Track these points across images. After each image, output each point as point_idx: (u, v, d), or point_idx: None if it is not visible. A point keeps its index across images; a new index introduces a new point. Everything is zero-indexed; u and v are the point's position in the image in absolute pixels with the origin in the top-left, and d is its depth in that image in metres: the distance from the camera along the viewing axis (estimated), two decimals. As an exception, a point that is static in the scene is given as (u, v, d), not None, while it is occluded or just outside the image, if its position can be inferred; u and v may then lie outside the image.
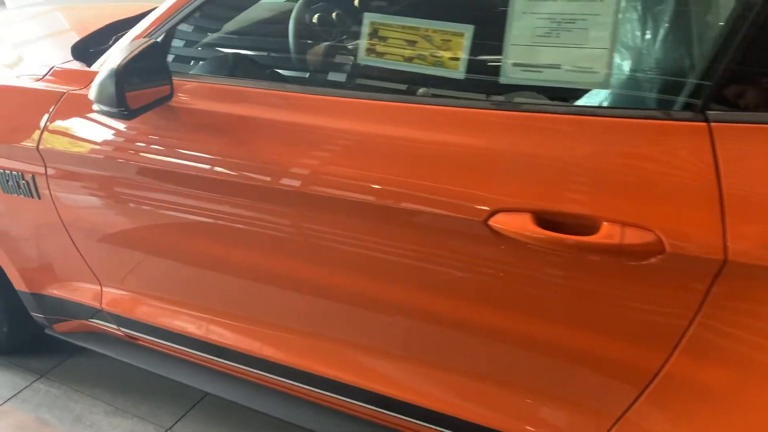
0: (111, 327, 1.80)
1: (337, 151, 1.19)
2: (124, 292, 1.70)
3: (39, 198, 1.61)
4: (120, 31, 1.83)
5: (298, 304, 1.40)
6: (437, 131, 1.13)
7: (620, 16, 1.04)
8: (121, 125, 1.42)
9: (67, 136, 1.49)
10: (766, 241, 0.91)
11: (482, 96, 1.17)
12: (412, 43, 1.18)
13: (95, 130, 1.46)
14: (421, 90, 1.57)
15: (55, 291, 1.81)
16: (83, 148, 1.47)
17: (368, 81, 1.32)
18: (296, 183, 1.22)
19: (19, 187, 1.62)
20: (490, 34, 1.13)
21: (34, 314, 1.92)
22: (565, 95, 1.19)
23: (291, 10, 1.57)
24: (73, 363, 2.12)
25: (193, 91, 1.36)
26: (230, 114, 1.31)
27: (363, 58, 1.23)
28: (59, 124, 1.51)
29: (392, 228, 1.17)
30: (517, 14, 1.09)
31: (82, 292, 1.76)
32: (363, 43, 1.22)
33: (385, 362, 1.38)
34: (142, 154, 1.40)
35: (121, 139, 1.43)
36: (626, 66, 1.12)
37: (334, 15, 1.60)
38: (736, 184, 0.93)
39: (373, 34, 1.21)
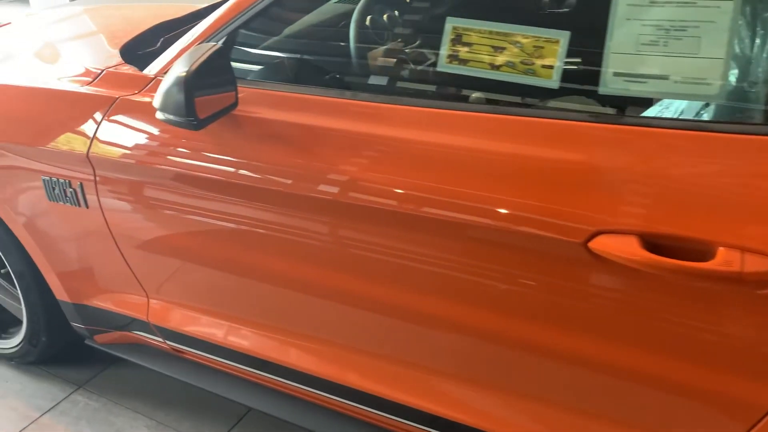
0: (156, 339, 1.73)
1: (419, 165, 1.11)
2: (171, 305, 1.63)
3: (86, 207, 1.54)
4: (167, 32, 1.76)
5: (366, 322, 1.33)
6: (528, 144, 1.05)
7: (739, 22, 0.96)
8: (177, 133, 1.35)
9: (120, 143, 1.43)
10: None
11: (579, 106, 1.09)
12: (500, 49, 1.10)
13: (150, 137, 1.40)
14: (474, 96, 1.50)
15: (98, 302, 1.74)
16: (137, 156, 1.41)
17: (449, 90, 1.25)
18: (371, 198, 1.14)
19: (66, 195, 1.56)
20: (588, 42, 1.06)
21: (74, 324, 1.86)
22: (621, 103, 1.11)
23: (352, 12, 1.50)
24: (111, 374, 2.06)
25: (253, 99, 1.29)
26: (296, 123, 1.24)
27: (444, 66, 1.15)
28: (111, 130, 1.44)
29: (478, 248, 1.09)
30: (619, 20, 1.01)
31: (127, 303, 1.70)
32: (444, 49, 1.14)
33: (447, 383, 1.31)
34: (199, 163, 1.33)
35: (177, 148, 1.36)
36: (736, 76, 1.04)
37: (399, 19, 1.53)
38: None
39: (456, 39, 1.13)
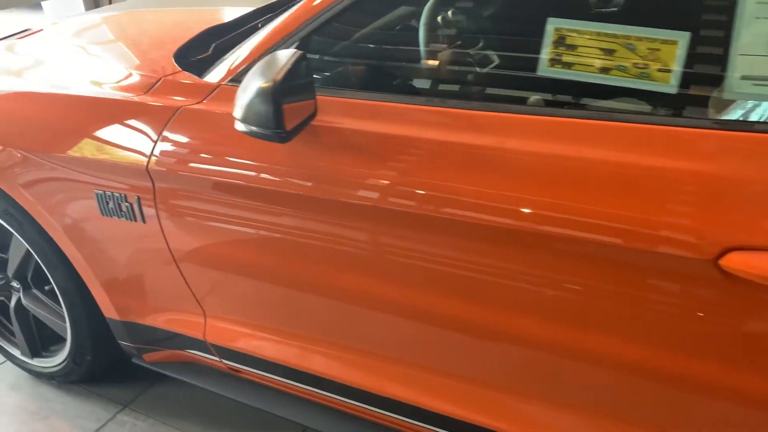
0: (211, 358, 1.66)
1: (523, 177, 1.04)
2: (231, 324, 1.56)
3: (143, 222, 1.47)
4: (216, 38, 1.69)
5: (460, 344, 1.25)
6: (646, 154, 0.98)
7: None
8: (247, 144, 1.27)
9: (183, 155, 1.35)
10: None
11: (700, 113, 1.02)
12: (610, 52, 1.03)
13: (217, 149, 1.32)
14: (533, 98, 1.42)
15: (150, 320, 1.67)
16: (202, 169, 1.33)
17: (551, 95, 1.17)
18: (472, 213, 1.07)
19: (121, 210, 1.48)
20: (707, 42, 0.98)
21: (122, 343, 1.78)
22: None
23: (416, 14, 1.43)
24: (156, 393, 1.98)
25: (325, 107, 1.21)
26: (378, 133, 1.17)
27: (545, 69, 1.08)
28: (173, 141, 1.37)
29: (592, 267, 1.02)
30: (747, 19, 0.94)
31: (182, 322, 1.62)
32: (546, 52, 1.07)
33: (539, 407, 1.24)
34: (271, 177, 1.26)
35: (248, 160, 1.28)
36: None
37: (487, 20, 1.45)
38: None
39: (559, 42, 1.06)
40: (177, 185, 1.38)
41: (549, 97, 1.16)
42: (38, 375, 2.03)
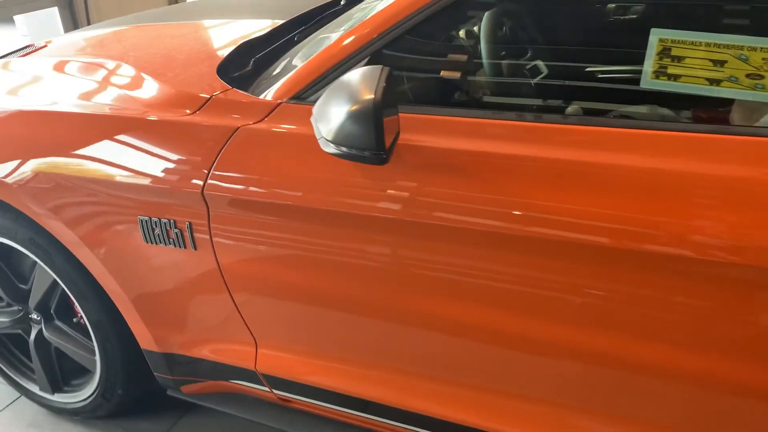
0: (259, 389, 1.57)
1: (627, 194, 1.00)
2: (285, 353, 1.48)
3: (194, 248, 1.38)
4: (256, 52, 1.62)
5: (553, 369, 1.20)
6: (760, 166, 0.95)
7: None
8: (316, 165, 1.20)
9: (245, 178, 1.27)
10: None
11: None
12: (721, 63, 0.99)
13: (283, 170, 1.25)
14: (571, 108, 1.39)
15: (193, 351, 1.58)
16: (266, 193, 1.25)
17: (658, 109, 1.13)
18: (570, 234, 1.02)
19: (169, 237, 1.39)
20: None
21: (158, 375, 1.68)
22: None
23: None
24: (188, 424, 1.88)
25: (407, 125, 1.15)
26: (467, 151, 1.12)
27: (649, 82, 1.03)
28: (232, 163, 1.28)
29: (701, 287, 0.99)
30: None
31: (231, 351, 1.54)
32: (649, 64, 1.03)
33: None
34: (345, 199, 1.19)
35: (318, 182, 1.21)
36: None
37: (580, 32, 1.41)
38: None
39: (664, 53, 1.02)
40: (236, 210, 1.30)
41: (660, 111, 1.13)
42: (59, 411, 1.91)
